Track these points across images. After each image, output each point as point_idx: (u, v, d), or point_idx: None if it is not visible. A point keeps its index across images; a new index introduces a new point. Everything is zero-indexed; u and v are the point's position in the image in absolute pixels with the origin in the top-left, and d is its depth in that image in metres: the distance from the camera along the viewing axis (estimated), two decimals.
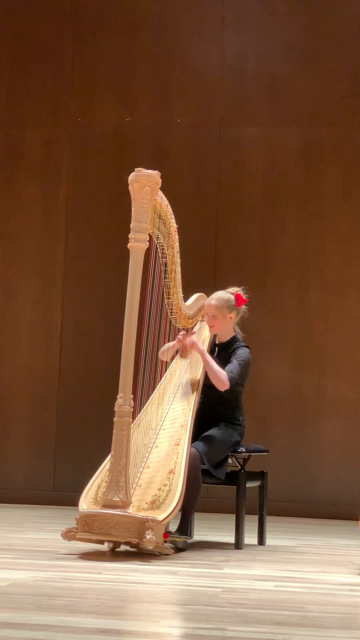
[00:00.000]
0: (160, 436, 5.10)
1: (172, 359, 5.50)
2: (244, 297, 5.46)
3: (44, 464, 7.97)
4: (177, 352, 5.50)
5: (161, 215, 5.12)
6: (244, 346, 5.42)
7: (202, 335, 5.54)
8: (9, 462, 8.01)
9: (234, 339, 5.46)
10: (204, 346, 5.42)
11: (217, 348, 5.49)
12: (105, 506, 4.69)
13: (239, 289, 5.50)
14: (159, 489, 4.81)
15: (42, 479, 7.95)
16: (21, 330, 8.16)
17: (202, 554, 5.00)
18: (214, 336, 5.53)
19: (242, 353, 5.35)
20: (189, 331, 5.45)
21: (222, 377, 5.20)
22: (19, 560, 4.49)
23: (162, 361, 5.44)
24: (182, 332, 5.38)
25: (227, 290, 5.49)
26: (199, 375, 5.33)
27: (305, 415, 7.72)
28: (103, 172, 8.20)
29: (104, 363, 7.81)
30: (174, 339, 5.40)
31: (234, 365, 5.29)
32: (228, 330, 5.47)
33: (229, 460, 5.29)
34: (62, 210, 8.23)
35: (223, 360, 5.38)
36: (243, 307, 5.48)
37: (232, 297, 5.43)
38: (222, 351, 5.45)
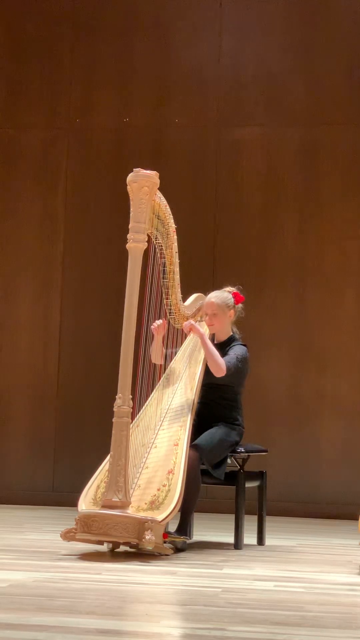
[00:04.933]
0: (160, 436, 5.10)
1: (167, 359, 5.48)
2: (241, 295, 5.49)
3: (43, 464, 7.96)
4: (167, 351, 5.46)
5: (160, 216, 5.12)
6: (242, 344, 5.43)
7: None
8: (8, 462, 8.01)
9: (231, 338, 5.47)
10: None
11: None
12: (104, 507, 4.69)
13: (234, 288, 5.52)
14: (158, 489, 4.80)
15: (41, 479, 7.94)
16: (20, 331, 8.15)
17: (201, 554, 5.00)
18: (212, 336, 5.52)
19: (240, 350, 5.36)
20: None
21: (219, 362, 5.19)
22: (19, 561, 4.49)
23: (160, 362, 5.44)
24: (157, 322, 5.26)
25: (223, 289, 5.52)
26: (198, 375, 5.33)
27: (305, 415, 7.72)
28: (101, 173, 8.20)
29: (102, 363, 7.81)
30: (173, 339, 5.40)
31: (231, 356, 5.30)
32: (226, 329, 5.48)
33: (228, 461, 5.29)
34: (60, 211, 8.22)
35: None
36: (240, 306, 5.51)
37: (231, 295, 5.47)
38: (220, 350, 5.44)
